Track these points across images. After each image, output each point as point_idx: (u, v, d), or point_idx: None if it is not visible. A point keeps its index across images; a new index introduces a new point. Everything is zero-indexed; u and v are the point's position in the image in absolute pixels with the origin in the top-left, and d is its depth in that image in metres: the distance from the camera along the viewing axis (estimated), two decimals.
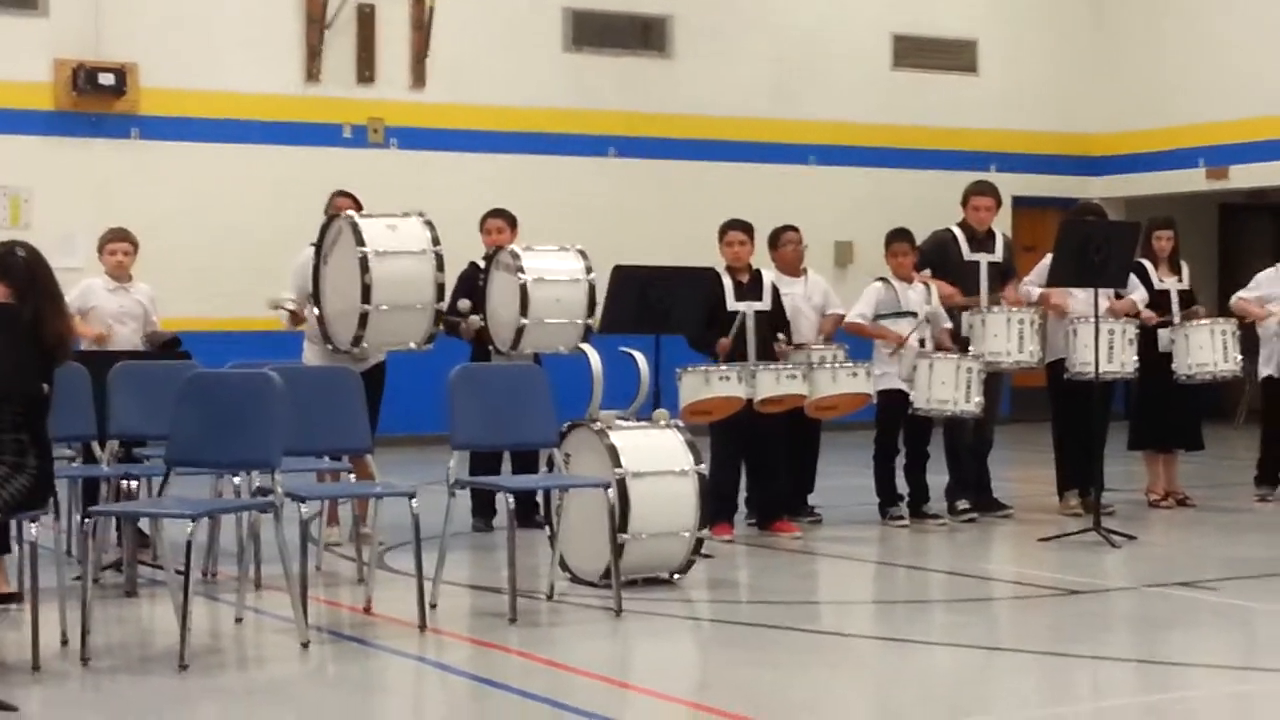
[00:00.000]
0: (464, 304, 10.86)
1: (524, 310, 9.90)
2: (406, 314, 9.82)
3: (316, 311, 10.29)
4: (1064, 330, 11.92)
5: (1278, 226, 23.55)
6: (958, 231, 12.47)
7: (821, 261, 16.67)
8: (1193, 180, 20.86)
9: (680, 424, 9.76)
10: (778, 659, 7.70)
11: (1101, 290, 11.22)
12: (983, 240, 12.42)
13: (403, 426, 13.24)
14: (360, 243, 9.70)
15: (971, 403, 11.68)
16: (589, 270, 10.17)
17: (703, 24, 19.90)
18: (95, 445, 9.47)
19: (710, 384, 10.96)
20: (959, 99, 21.70)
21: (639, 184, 19.21)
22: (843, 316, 12.29)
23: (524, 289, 9.92)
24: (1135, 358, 11.65)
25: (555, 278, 10.05)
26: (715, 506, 10.18)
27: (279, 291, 11.50)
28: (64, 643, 7.60)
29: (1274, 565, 9.89)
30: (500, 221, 11.87)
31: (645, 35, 19.93)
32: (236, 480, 8.75)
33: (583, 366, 9.82)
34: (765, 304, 11.58)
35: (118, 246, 11.06)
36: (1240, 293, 13.15)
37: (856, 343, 12.08)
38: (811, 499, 12.07)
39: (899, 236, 12.31)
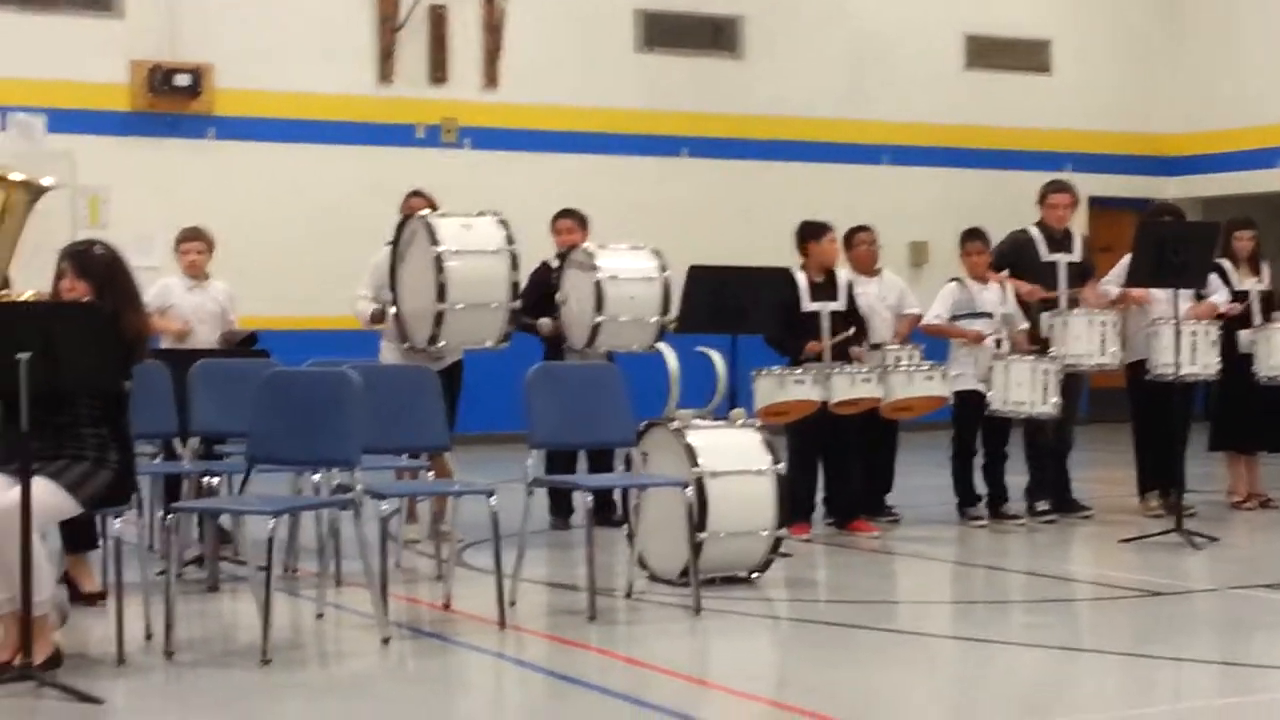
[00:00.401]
0: (545, 324, 10.93)
1: (599, 308, 9.96)
2: (482, 313, 9.87)
3: (393, 310, 10.37)
4: (1145, 331, 11.81)
5: None
6: (1035, 232, 12.36)
7: (896, 262, 16.59)
8: (1271, 180, 20.62)
9: (758, 423, 9.77)
10: (856, 658, 7.69)
11: (1182, 292, 11.13)
12: (1060, 240, 12.31)
13: (479, 425, 13.24)
14: (435, 242, 9.76)
15: (1049, 404, 11.57)
16: (663, 269, 10.23)
17: (774, 24, 19.89)
18: (176, 442, 9.60)
19: (785, 387, 10.95)
20: (1032, 99, 21.64)
21: (711, 184, 19.15)
22: (919, 317, 12.25)
23: (599, 286, 9.98)
24: (1217, 359, 11.54)
25: (630, 276, 10.12)
26: (792, 506, 10.17)
27: (355, 289, 11.63)
28: (148, 637, 7.65)
29: None
30: (571, 222, 11.94)
31: (717, 36, 19.94)
32: (316, 478, 8.78)
33: (658, 366, 9.85)
34: (841, 304, 11.54)
35: (191, 246, 11.14)
36: None
37: (932, 342, 12.03)
38: (889, 499, 12.03)
39: (972, 236, 12.27)
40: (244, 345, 10.95)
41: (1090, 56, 21.88)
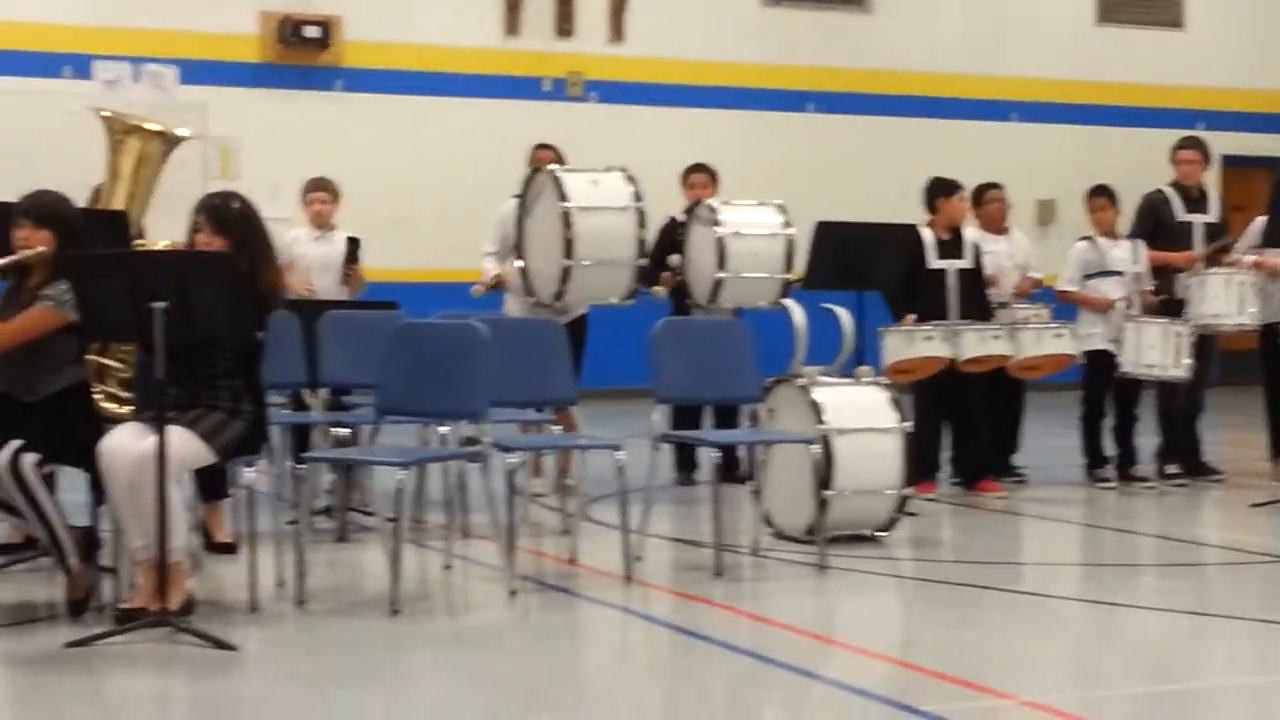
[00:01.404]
0: (674, 259, 10.94)
1: (721, 264, 9.96)
2: (609, 269, 9.92)
3: (520, 264, 10.43)
4: (1278, 293, 11.73)
5: None
6: (1170, 192, 12.27)
7: (1023, 219, 16.54)
8: None
9: (884, 381, 9.78)
10: (982, 619, 7.67)
11: None
12: (1196, 200, 12.22)
13: (603, 380, 13.19)
14: (563, 198, 9.81)
15: (1180, 366, 11.51)
16: (787, 225, 10.20)
17: None
18: (305, 393, 9.76)
19: (913, 343, 10.94)
20: (1164, 55, 21.44)
21: (839, 140, 19.17)
22: (1039, 280, 12.19)
23: (721, 242, 9.98)
24: None
25: (753, 231, 10.10)
26: (919, 464, 10.18)
27: (482, 244, 11.73)
28: (279, 585, 7.80)
29: None
30: (703, 176, 11.96)
31: None
32: (443, 430, 8.83)
33: (784, 322, 9.86)
34: (968, 262, 11.51)
35: (316, 196, 11.30)
36: None
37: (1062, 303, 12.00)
38: (1016, 459, 12.01)
39: (1099, 192, 12.23)
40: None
41: (1223, 12, 21.69)
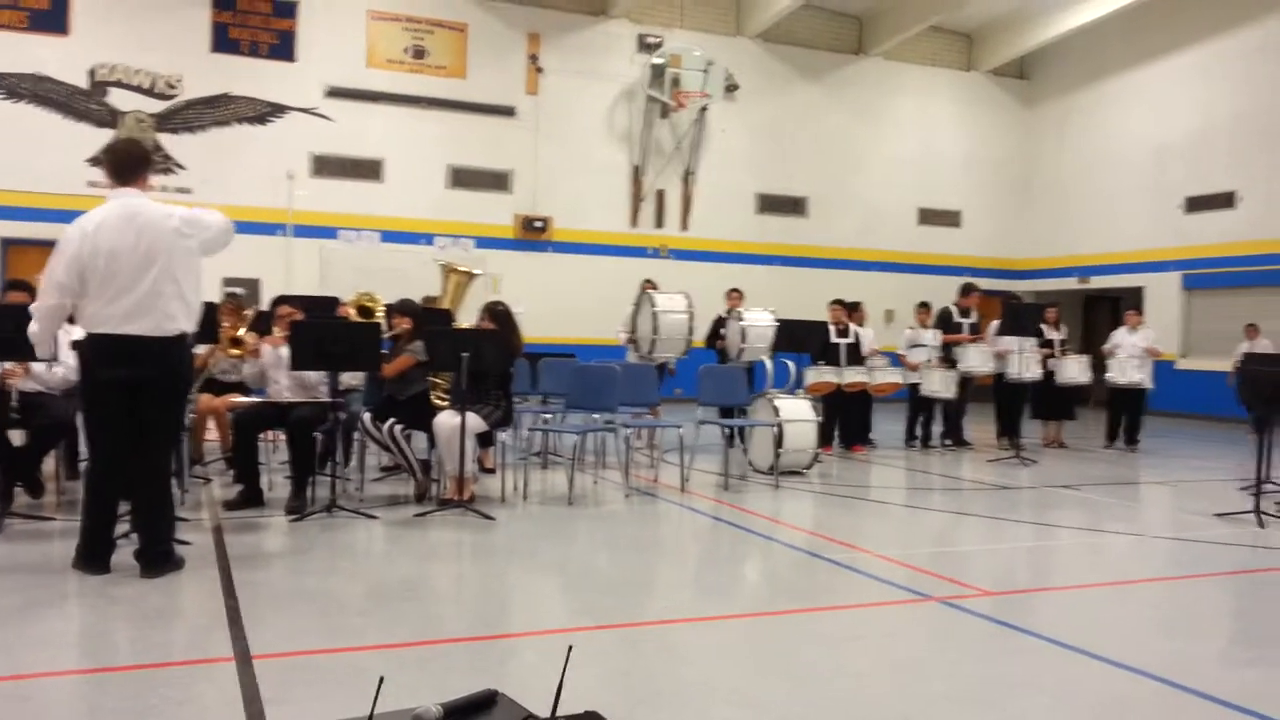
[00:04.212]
0: (719, 342, 10.87)
1: (743, 339, 10.05)
2: (674, 341, 10.03)
3: (633, 336, 10.58)
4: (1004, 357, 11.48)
5: None
6: (953, 309, 11.96)
7: (876, 318, 16.32)
8: None
9: (807, 395, 9.79)
10: (853, 512, 7.43)
11: None
12: (967, 313, 11.90)
13: (672, 392, 13.14)
14: (654, 305, 9.96)
15: (951, 392, 11.46)
16: (776, 319, 10.19)
17: (832, 199, 19.68)
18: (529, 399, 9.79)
19: (821, 376, 10.66)
20: (949, 241, 20.29)
21: (793, 279, 18.67)
22: (877, 349, 11.67)
23: (742, 329, 10.08)
24: None
25: (758, 324, 10.16)
26: (823, 436, 10.07)
27: (615, 326, 11.78)
28: (515, 489, 7.89)
29: None
30: (736, 294, 11.72)
31: (794, 207, 19.55)
32: (596, 415, 8.63)
33: (762, 368, 9.85)
34: (851, 339, 11.12)
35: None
36: None
37: None
38: (871, 435, 11.62)
39: (923, 306, 12.10)
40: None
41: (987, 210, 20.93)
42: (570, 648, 2.10)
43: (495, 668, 3.79)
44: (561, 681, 1.87)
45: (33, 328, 4.98)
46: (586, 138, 17.54)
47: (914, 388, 11.67)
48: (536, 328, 13.93)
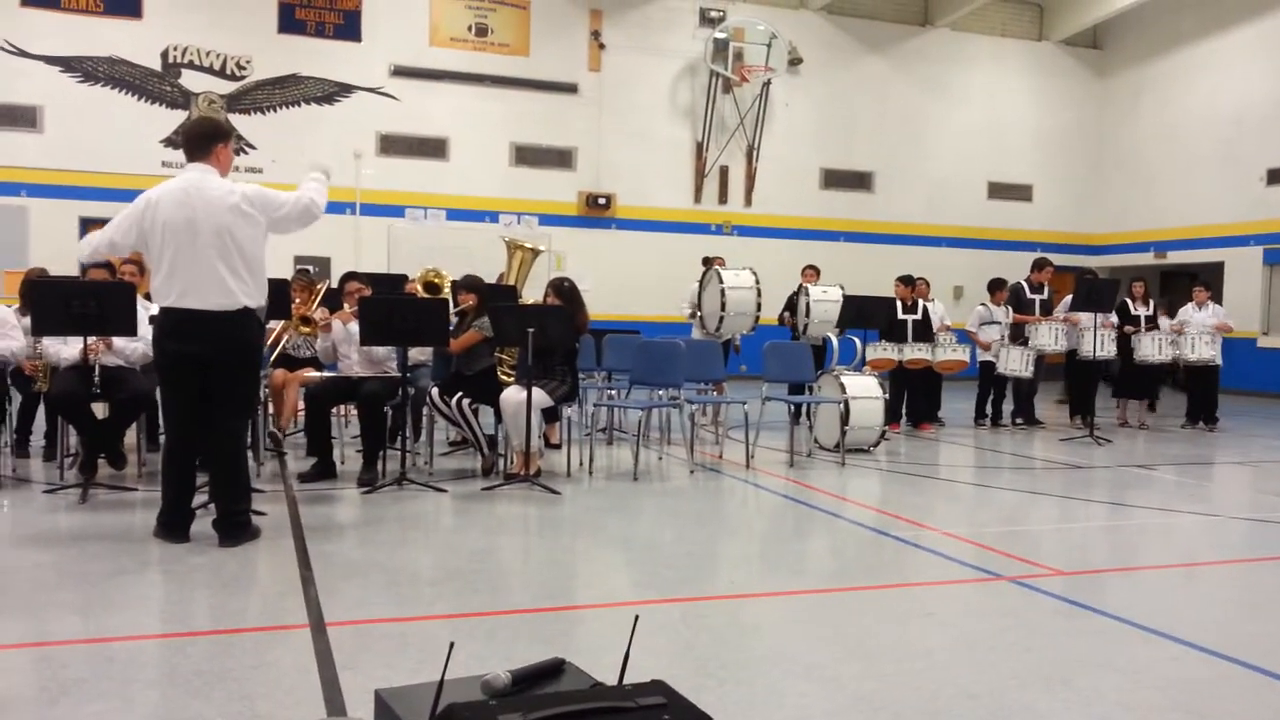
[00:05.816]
0: (786, 315, 10.88)
1: (807, 314, 10.06)
2: (741, 317, 10.02)
3: (699, 313, 10.56)
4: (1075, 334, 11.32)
5: None
6: (1023, 284, 11.76)
7: (945, 294, 16.06)
8: None
9: (871, 371, 9.71)
10: (920, 490, 7.36)
11: None
12: (1038, 289, 11.67)
13: (739, 369, 13.13)
14: (721, 281, 9.93)
15: (1027, 369, 11.25)
16: (843, 292, 10.25)
17: (898, 174, 19.44)
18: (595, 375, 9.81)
19: (884, 353, 10.75)
20: (1021, 216, 19.85)
21: (858, 255, 18.49)
22: (948, 325, 11.55)
23: (808, 304, 10.10)
24: None
25: (826, 299, 10.21)
26: (890, 414, 10.02)
27: (680, 303, 11.79)
28: (580, 465, 7.93)
29: None
30: (811, 271, 11.71)
31: (859, 181, 19.35)
32: (661, 392, 8.66)
33: (830, 343, 9.79)
34: (918, 315, 11.06)
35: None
36: None
37: None
38: (940, 414, 11.50)
39: (998, 285, 11.79)
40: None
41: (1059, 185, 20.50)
42: (637, 617, 2.10)
43: (561, 638, 3.82)
44: (628, 651, 1.87)
45: (81, 242, 5.20)
46: (649, 114, 17.49)
47: (985, 365, 11.46)
48: (600, 304, 14.04)
